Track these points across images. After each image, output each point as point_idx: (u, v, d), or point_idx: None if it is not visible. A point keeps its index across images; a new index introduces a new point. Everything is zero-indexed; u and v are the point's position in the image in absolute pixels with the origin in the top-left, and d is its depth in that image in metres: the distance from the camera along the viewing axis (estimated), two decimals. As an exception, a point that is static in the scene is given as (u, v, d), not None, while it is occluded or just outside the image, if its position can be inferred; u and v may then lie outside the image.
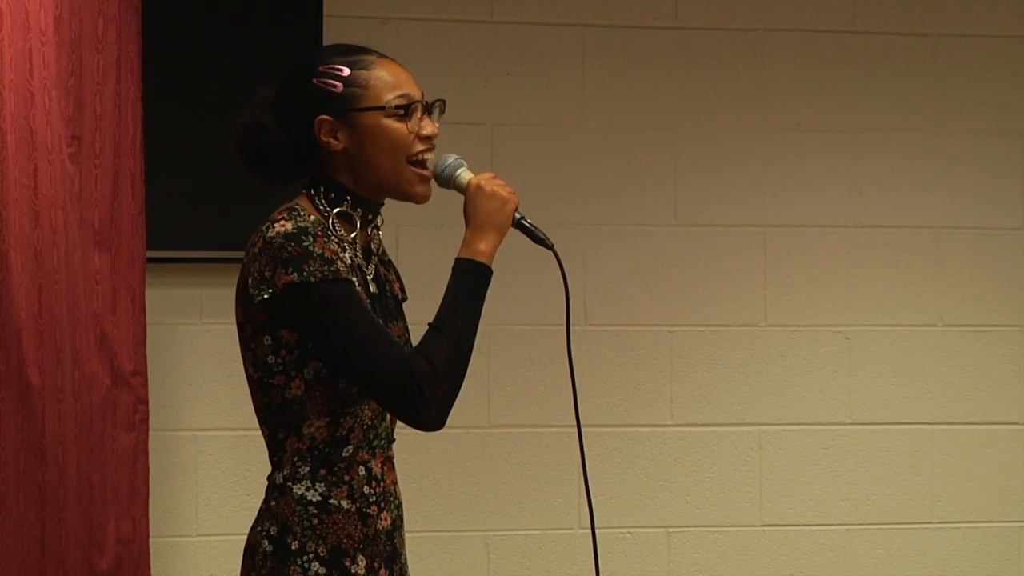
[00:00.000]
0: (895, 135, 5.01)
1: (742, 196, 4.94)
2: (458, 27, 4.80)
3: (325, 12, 4.62)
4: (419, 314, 2.84)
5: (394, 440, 2.82)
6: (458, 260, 2.70)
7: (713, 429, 4.91)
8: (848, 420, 4.98)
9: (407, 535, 2.86)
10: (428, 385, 2.60)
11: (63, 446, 3.92)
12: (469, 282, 2.68)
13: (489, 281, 2.69)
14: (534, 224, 2.77)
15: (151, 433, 4.29)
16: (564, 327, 2.86)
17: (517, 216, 2.75)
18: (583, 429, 2.93)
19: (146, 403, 4.24)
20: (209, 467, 4.65)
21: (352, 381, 2.66)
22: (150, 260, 4.31)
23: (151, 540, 4.30)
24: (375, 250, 2.83)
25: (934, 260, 5.02)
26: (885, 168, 5.01)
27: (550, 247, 2.77)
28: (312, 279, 2.62)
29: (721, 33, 4.92)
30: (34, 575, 3.89)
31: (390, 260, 2.92)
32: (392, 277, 2.90)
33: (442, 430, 2.64)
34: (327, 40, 4.58)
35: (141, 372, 4.23)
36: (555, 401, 4.81)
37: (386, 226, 2.87)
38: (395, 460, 2.84)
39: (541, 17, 4.84)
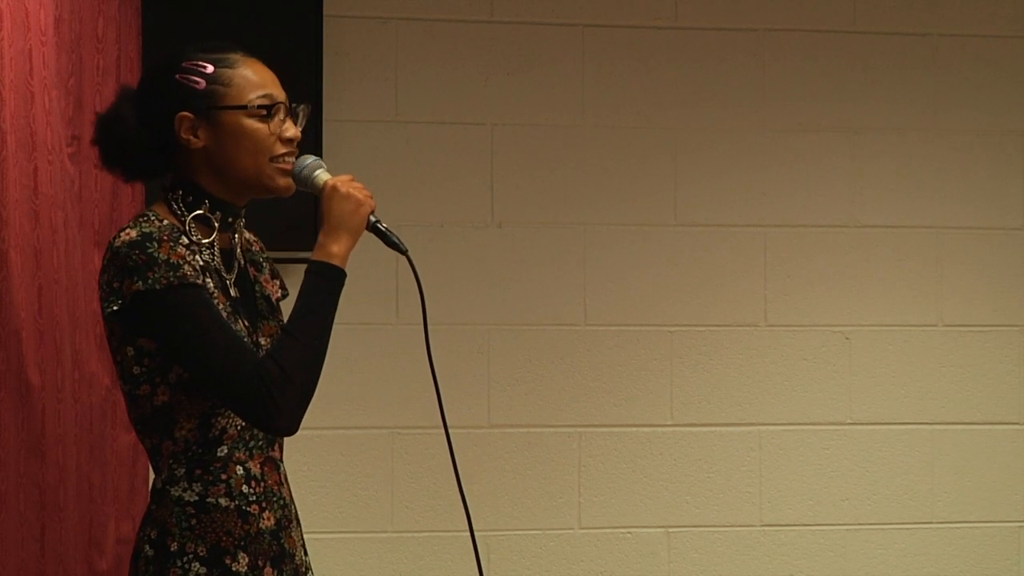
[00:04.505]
0: (895, 135, 5.01)
1: (742, 196, 4.94)
2: (458, 27, 4.80)
3: (325, 12, 4.62)
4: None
5: (276, 442, 2.78)
6: (310, 263, 2.67)
7: (713, 429, 4.91)
8: (848, 420, 4.97)
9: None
10: (278, 389, 2.57)
11: (63, 446, 3.92)
12: (321, 285, 2.64)
13: (342, 283, 2.66)
14: (389, 228, 2.74)
15: (151, 433, 4.29)
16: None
17: (372, 219, 2.72)
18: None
19: (146, 403, 4.23)
20: (209, 467, 4.64)
21: (204, 385, 2.63)
22: (150, 260, 4.30)
23: (151, 540, 4.29)
24: (240, 252, 2.79)
25: (934, 260, 5.02)
26: (885, 168, 5.00)
27: (404, 252, 2.72)
28: (157, 286, 2.58)
29: (721, 33, 4.92)
30: (34, 575, 3.89)
31: (265, 260, 2.89)
32: (265, 277, 2.86)
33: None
34: (328, 40, 4.58)
35: (141, 372, 4.23)
36: (555, 401, 4.81)
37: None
38: (282, 461, 2.79)
39: (541, 17, 4.84)
